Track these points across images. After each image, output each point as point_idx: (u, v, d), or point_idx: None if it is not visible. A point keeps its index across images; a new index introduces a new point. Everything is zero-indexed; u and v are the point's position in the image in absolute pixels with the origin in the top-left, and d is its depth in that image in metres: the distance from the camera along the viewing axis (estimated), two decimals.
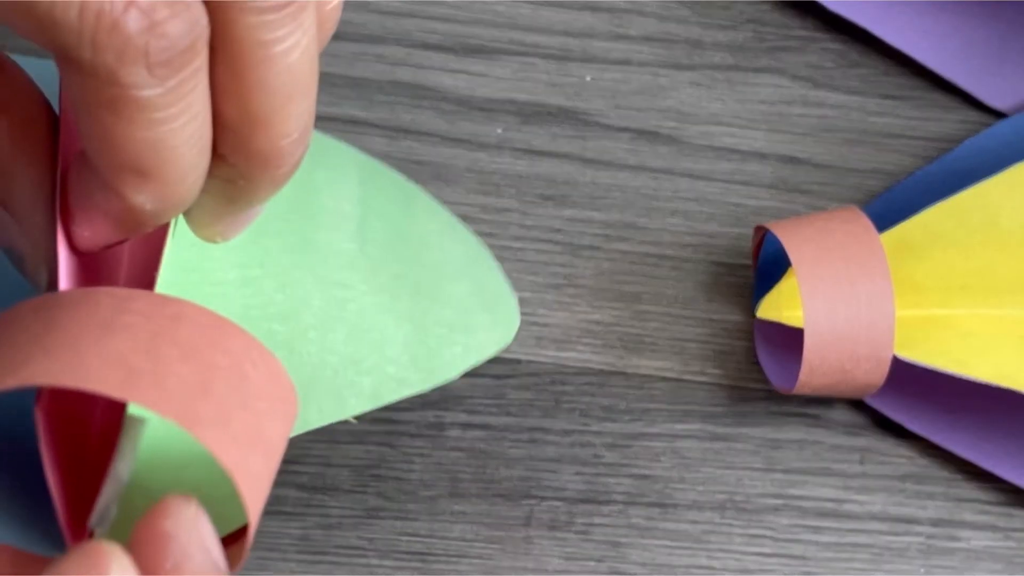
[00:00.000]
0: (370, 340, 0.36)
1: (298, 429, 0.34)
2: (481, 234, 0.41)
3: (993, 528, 0.41)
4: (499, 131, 0.43)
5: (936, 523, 0.41)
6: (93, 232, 0.29)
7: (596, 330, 0.42)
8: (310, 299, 0.36)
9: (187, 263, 0.34)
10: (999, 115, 0.44)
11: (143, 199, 0.28)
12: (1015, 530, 0.41)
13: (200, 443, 0.28)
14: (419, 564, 0.40)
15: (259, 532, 0.39)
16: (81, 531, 0.30)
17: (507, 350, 0.41)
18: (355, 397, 0.36)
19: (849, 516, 0.41)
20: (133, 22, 0.26)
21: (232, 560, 0.29)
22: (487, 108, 0.44)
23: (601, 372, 0.41)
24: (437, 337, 0.37)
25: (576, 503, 0.40)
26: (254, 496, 0.28)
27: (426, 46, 0.44)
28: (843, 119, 0.44)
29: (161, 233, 0.31)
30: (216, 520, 0.30)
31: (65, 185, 0.30)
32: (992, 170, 0.41)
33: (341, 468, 0.40)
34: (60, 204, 0.29)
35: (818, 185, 0.44)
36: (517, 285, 0.41)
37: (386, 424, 0.40)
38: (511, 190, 0.43)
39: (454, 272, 0.38)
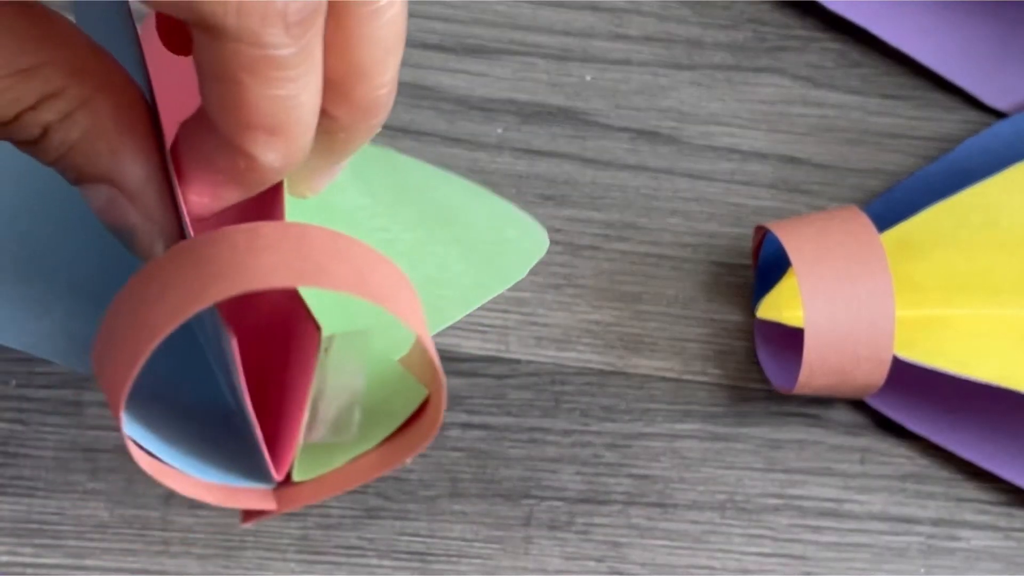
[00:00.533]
0: (433, 264, 0.37)
1: None
2: None
3: (993, 528, 0.41)
4: (499, 131, 0.43)
5: (936, 523, 0.41)
6: (213, 195, 0.31)
7: (596, 330, 0.42)
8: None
9: None
10: (999, 115, 0.44)
11: (272, 156, 0.30)
12: (1015, 530, 0.41)
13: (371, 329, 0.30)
14: (419, 564, 0.39)
15: (259, 532, 0.39)
16: (286, 452, 0.31)
17: (507, 350, 0.41)
18: (449, 305, 0.37)
19: (849, 516, 0.41)
20: None
21: (430, 423, 0.31)
22: (487, 108, 0.44)
23: (601, 372, 0.41)
24: (488, 252, 0.38)
25: (576, 503, 0.40)
26: (436, 357, 0.30)
27: (426, 46, 0.44)
28: (843, 119, 0.44)
29: (264, 197, 0.33)
30: (388, 419, 0.31)
31: (177, 155, 0.31)
32: (992, 170, 0.41)
33: None
34: (175, 173, 0.31)
35: (818, 185, 0.44)
36: (517, 285, 0.41)
37: None
38: (511, 190, 0.43)
39: (464, 202, 0.38)
